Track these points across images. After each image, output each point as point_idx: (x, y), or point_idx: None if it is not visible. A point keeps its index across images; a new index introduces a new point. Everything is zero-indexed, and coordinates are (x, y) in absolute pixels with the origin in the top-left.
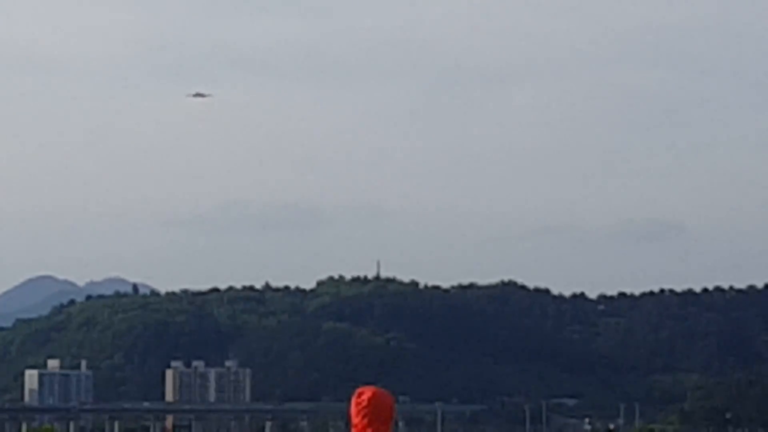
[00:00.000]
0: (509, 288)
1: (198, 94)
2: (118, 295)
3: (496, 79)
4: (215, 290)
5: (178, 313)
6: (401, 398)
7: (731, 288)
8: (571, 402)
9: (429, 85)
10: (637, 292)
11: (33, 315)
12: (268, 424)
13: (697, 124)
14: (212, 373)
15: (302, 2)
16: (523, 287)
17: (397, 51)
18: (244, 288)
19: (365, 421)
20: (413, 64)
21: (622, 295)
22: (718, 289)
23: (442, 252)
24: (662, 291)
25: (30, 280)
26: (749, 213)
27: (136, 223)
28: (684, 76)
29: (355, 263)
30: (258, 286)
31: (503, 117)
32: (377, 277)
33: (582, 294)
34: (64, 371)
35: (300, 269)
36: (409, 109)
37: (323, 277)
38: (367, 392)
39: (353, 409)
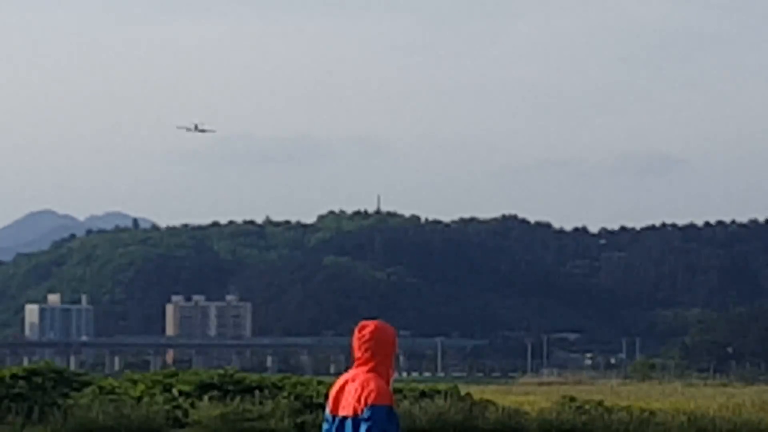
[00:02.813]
0: (510, 222)
1: (199, 129)
2: (118, 229)
3: (496, 12)
4: (216, 224)
5: (178, 248)
6: (402, 333)
7: (733, 222)
8: (572, 336)
9: (429, 18)
10: (638, 227)
11: (33, 249)
12: (269, 358)
13: (698, 57)
14: (212, 308)
15: None
16: (525, 221)
17: None
18: (245, 222)
19: (367, 354)
20: None
21: (623, 229)
22: (720, 223)
23: (442, 186)
24: (664, 225)
25: (30, 215)
26: (751, 147)
27: (136, 157)
28: (686, 9)
29: (355, 197)
30: (259, 220)
31: (504, 50)
32: (378, 212)
33: (584, 228)
34: (64, 306)
35: (301, 203)
36: (409, 41)
37: (324, 211)
38: (369, 326)
39: (355, 343)
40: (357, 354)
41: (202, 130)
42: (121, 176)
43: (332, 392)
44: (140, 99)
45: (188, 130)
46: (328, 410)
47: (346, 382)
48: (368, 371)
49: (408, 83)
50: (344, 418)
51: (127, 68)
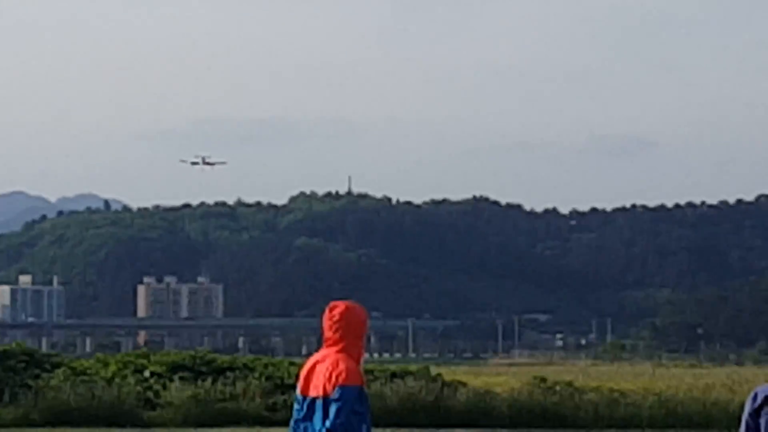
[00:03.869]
0: (481, 203)
1: (207, 162)
2: (89, 211)
3: None
4: (187, 206)
5: (150, 229)
6: (373, 314)
7: (703, 203)
8: (543, 317)
9: (402, 0)
10: (609, 208)
11: (5, 231)
12: (241, 339)
13: (669, 39)
14: (184, 289)
15: None
16: (496, 203)
17: None
18: (216, 204)
19: (337, 335)
20: None
21: (594, 210)
22: (690, 204)
23: (414, 167)
24: (634, 206)
25: (2, 196)
26: (722, 129)
27: (107, 138)
28: None
29: (327, 179)
30: (230, 202)
31: (476, 32)
32: (349, 193)
33: (554, 209)
34: (36, 287)
35: (272, 185)
36: (381, 24)
37: (295, 192)
38: (339, 306)
39: (325, 324)
40: (327, 335)
41: (210, 164)
42: (92, 158)
43: (302, 373)
44: (111, 80)
45: (194, 164)
46: (298, 391)
47: (316, 363)
48: (338, 352)
49: (379, 65)
50: (314, 398)
51: (99, 50)
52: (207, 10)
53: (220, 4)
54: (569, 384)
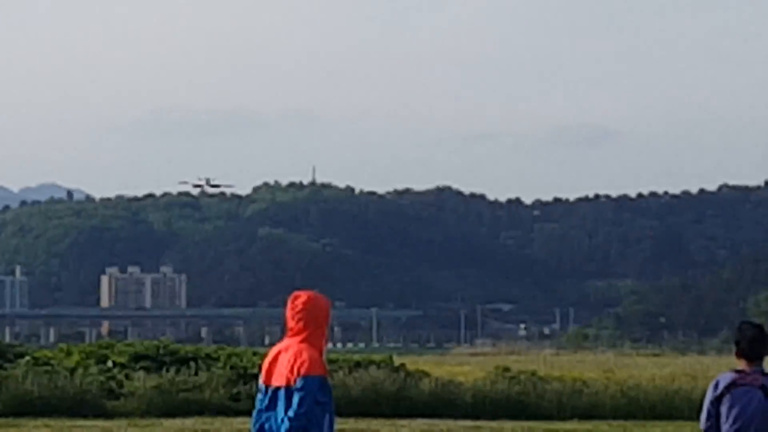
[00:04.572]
0: (445, 193)
1: (211, 185)
2: (52, 200)
3: None
4: (150, 196)
5: (113, 219)
6: (337, 303)
7: (666, 193)
8: (506, 307)
9: None
10: (572, 198)
11: None
12: (204, 329)
13: (630, 29)
14: (148, 279)
15: None
16: (459, 193)
17: None
18: (180, 194)
19: (300, 325)
20: None
21: (557, 200)
22: (652, 194)
23: (377, 157)
24: (597, 196)
25: None
26: (684, 119)
27: (70, 128)
28: None
29: (290, 168)
30: (194, 192)
31: (437, 22)
32: (313, 183)
33: (517, 199)
34: None
35: (235, 175)
36: (344, 14)
37: (259, 182)
38: (302, 296)
39: (288, 313)
40: (290, 324)
41: (216, 186)
42: (55, 148)
43: (265, 363)
44: (73, 71)
45: (197, 186)
46: (261, 380)
47: (279, 353)
48: (301, 342)
49: (343, 55)
50: (277, 388)
51: (60, 40)
52: (170, 1)
53: None
54: (532, 374)
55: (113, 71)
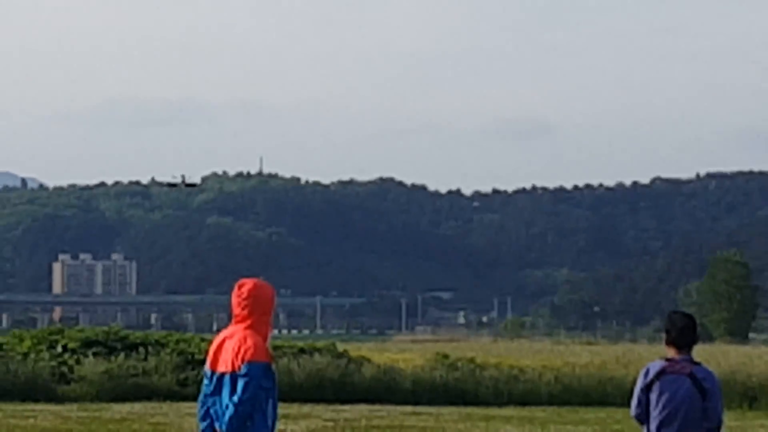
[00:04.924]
0: (388, 184)
1: (189, 185)
2: (6, 189)
3: None
4: (102, 185)
5: (66, 207)
6: (282, 291)
7: (600, 185)
8: (446, 295)
9: None
10: (510, 189)
11: None
12: (153, 316)
13: (564, 24)
14: (99, 266)
15: None
16: (401, 183)
17: None
18: (130, 183)
19: (245, 312)
20: None
21: (496, 191)
22: (588, 186)
23: (322, 148)
24: (534, 188)
25: None
26: (619, 113)
27: (23, 117)
28: None
29: (238, 159)
30: (144, 181)
31: (380, 15)
32: (260, 173)
33: (458, 190)
34: None
35: (185, 165)
36: (289, 7)
37: (207, 172)
38: (247, 284)
39: (234, 300)
40: (236, 311)
41: (191, 185)
42: (8, 137)
43: (211, 349)
44: (25, 60)
45: (173, 185)
46: (207, 366)
47: (225, 339)
48: (246, 328)
49: (288, 47)
50: (222, 374)
51: (11, 29)
52: None
53: None
54: (470, 361)
55: (65, 61)
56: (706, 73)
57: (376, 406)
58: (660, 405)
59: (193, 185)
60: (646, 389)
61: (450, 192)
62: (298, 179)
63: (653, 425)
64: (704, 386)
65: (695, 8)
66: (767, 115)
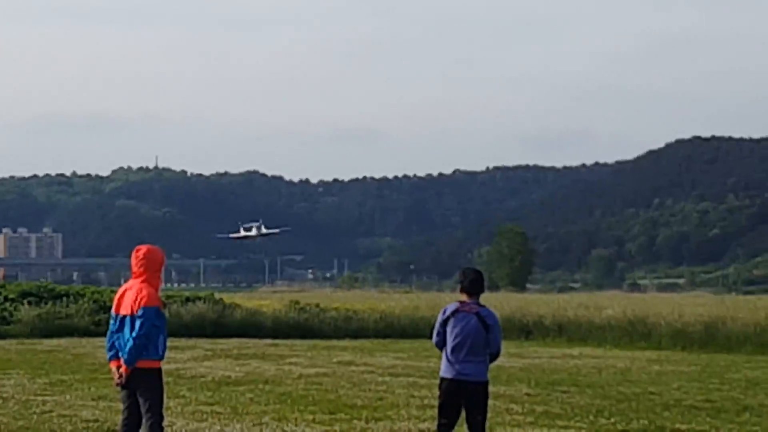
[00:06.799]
0: (254, 175)
1: (262, 234)
2: None
3: None
4: (35, 176)
5: (7, 193)
6: (174, 255)
7: (415, 176)
8: (298, 258)
9: None
10: (346, 179)
11: None
12: (75, 274)
13: (390, 55)
14: (33, 238)
15: None
16: (264, 175)
17: None
18: (57, 175)
19: (141, 269)
20: None
21: (336, 180)
22: (405, 176)
23: (204, 148)
24: (365, 178)
25: None
26: (427, 119)
27: None
28: None
29: (140, 157)
30: (68, 173)
31: (251, 42)
32: (156, 167)
33: (307, 180)
34: None
35: (99, 161)
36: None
37: (116, 167)
38: (143, 248)
39: (132, 261)
40: (134, 269)
41: (265, 234)
42: None
43: (116, 297)
44: None
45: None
46: (113, 311)
47: (126, 290)
48: (142, 282)
49: (177, 69)
50: (124, 316)
51: None
52: (46, 13)
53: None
54: (317, 305)
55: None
56: (496, 91)
57: (245, 340)
58: (453, 335)
59: (104, 177)
60: (444, 323)
61: (301, 181)
62: (186, 172)
63: (449, 349)
64: (487, 322)
65: (487, 39)
66: (543, 122)
